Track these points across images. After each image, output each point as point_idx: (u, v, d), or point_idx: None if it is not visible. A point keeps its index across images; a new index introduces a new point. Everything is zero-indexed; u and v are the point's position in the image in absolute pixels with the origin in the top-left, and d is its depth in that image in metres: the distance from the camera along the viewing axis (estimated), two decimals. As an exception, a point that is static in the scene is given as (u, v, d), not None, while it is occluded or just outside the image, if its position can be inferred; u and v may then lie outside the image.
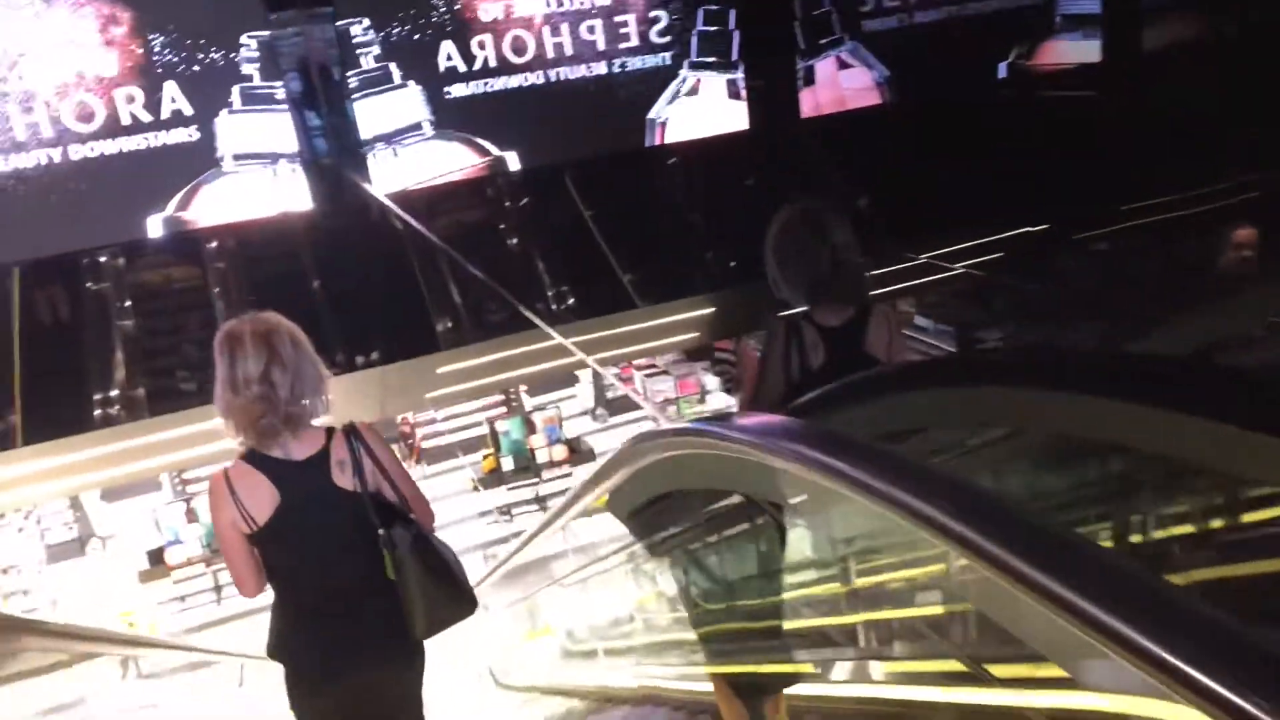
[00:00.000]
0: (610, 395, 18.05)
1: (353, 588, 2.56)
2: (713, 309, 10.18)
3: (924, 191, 9.58)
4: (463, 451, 15.22)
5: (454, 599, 2.60)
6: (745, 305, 10.28)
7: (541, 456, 14.79)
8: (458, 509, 14.90)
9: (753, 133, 10.81)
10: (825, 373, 2.93)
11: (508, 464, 14.57)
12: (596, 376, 17.59)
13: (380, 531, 2.51)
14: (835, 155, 10.91)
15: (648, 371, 15.75)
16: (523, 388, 15.58)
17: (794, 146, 11.11)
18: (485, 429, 15.04)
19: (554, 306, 10.66)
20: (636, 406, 17.70)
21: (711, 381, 17.44)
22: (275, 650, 2.65)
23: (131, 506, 15.50)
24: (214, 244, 10.35)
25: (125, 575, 13.57)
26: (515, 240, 11.35)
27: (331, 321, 9.88)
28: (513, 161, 10.25)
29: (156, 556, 13.17)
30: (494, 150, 10.09)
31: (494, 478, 14.60)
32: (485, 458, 14.73)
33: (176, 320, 10.43)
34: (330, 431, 2.58)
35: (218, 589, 13.49)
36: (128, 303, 10.09)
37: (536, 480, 14.79)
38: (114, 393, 9.28)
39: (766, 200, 10.98)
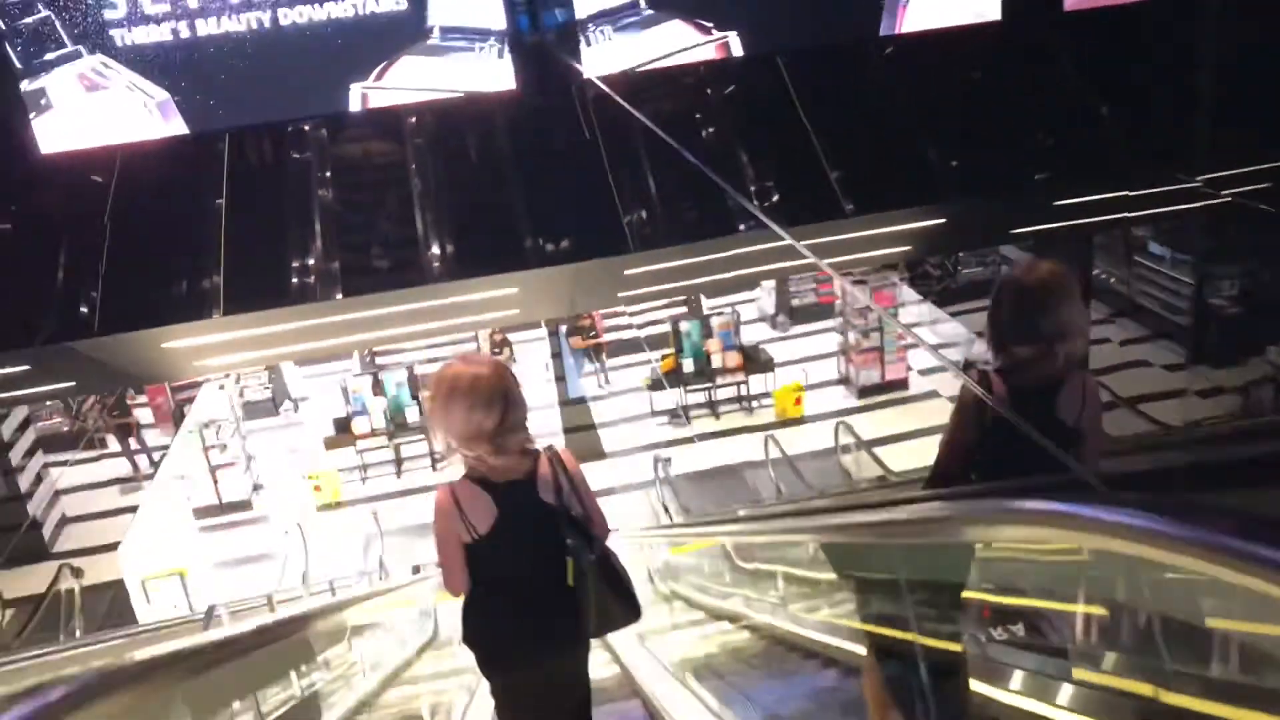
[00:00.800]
0: (795, 303, 17.35)
1: (544, 587, 2.92)
2: (927, 222, 9.30)
3: (1202, 103, 8.29)
4: (648, 347, 14.96)
5: (623, 609, 3.01)
6: (961, 219, 9.38)
7: (715, 361, 14.36)
8: (634, 406, 14.75)
9: (1002, 24, 9.57)
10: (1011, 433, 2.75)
11: (688, 366, 14.21)
12: (780, 283, 16.90)
13: (569, 543, 2.89)
14: (1097, 55, 9.60)
15: (850, 278, 14.83)
16: (700, 290, 15.04)
17: (1046, 43, 9.88)
18: (668, 327, 14.68)
19: (755, 203, 9.99)
20: (821, 315, 16.97)
21: (909, 294, 16.45)
22: (469, 639, 3.06)
23: (323, 374, 16.12)
24: (414, 120, 10.14)
25: (313, 439, 14.11)
26: (713, 130, 10.67)
27: (524, 206, 9.56)
28: (735, 45, 9.47)
29: (343, 425, 13.59)
30: (715, 31, 9.35)
31: (672, 378, 14.29)
32: (664, 357, 14.40)
33: (374, 195, 10.35)
34: (535, 455, 2.95)
35: (398, 462, 13.87)
36: (328, 174, 10.06)
37: (710, 385, 14.40)
38: (311, 262, 9.31)
39: (999, 102, 9.92)
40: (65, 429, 14.42)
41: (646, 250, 9.02)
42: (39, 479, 12.47)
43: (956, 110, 10.06)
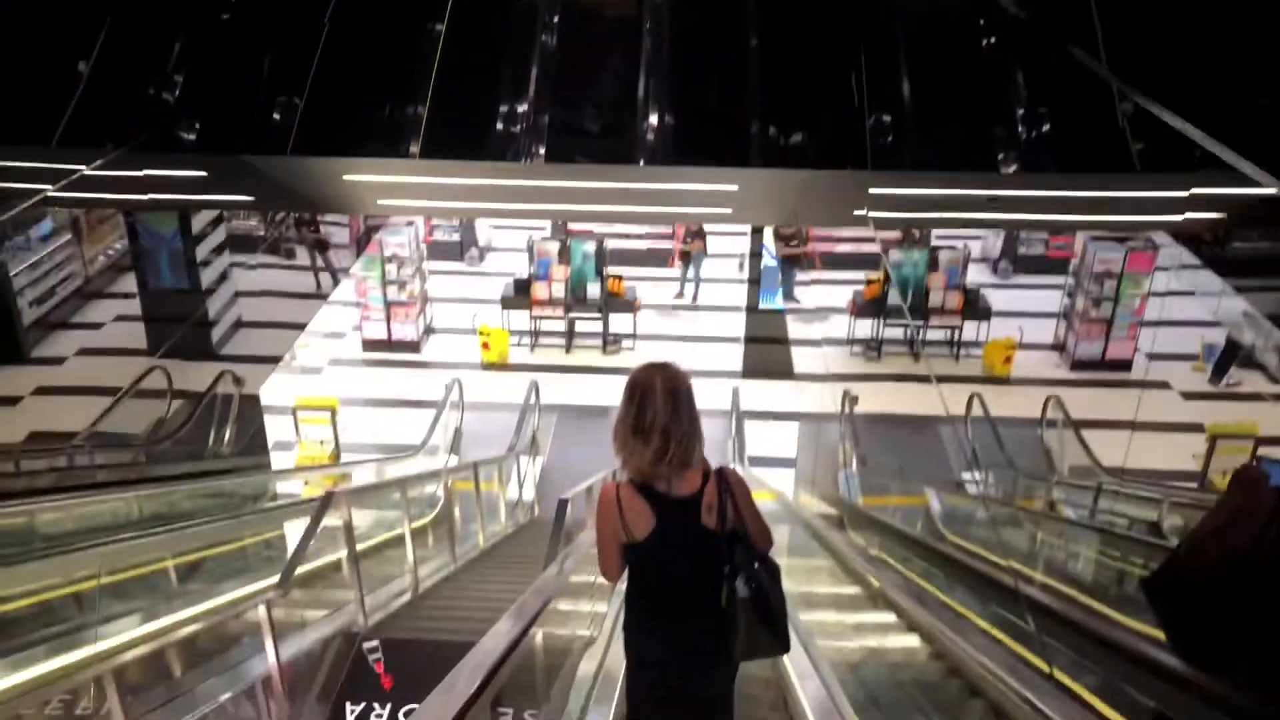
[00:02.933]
0: (1021, 250, 15.69)
1: (694, 606, 2.95)
2: (1255, 190, 7.68)
3: None
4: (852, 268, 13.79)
5: (771, 640, 2.94)
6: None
7: (934, 299, 13.01)
8: (831, 329, 13.69)
9: None
10: None
11: (894, 297, 12.94)
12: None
13: (726, 569, 2.88)
14: None
15: (1094, 234, 13.07)
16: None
17: None
18: (878, 248, 13.40)
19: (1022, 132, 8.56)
20: (1048, 269, 15.26)
21: (1172, 258, 14.36)
22: (625, 641, 3.10)
23: (513, 225, 15.65)
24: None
25: (492, 292, 13.67)
26: (993, 41, 9.15)
27: (759, 89, 8.44)
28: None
29: (523, 286, 13.07)
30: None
31: (871, 306, 13.08)
32: (869, 283, 13.16)
33: (599, 51, 9.42)
34: (705, 475, 2.91)
35: (569, 336, 13.30)
36: (556, 19, 9.18)
37: (921, 324, 13.09)
38: (521, 109, 8.56)
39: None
40: (259, 233, 14.45)
41: (887, 165, 7.81)
42: (223, 277, 12.50)
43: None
